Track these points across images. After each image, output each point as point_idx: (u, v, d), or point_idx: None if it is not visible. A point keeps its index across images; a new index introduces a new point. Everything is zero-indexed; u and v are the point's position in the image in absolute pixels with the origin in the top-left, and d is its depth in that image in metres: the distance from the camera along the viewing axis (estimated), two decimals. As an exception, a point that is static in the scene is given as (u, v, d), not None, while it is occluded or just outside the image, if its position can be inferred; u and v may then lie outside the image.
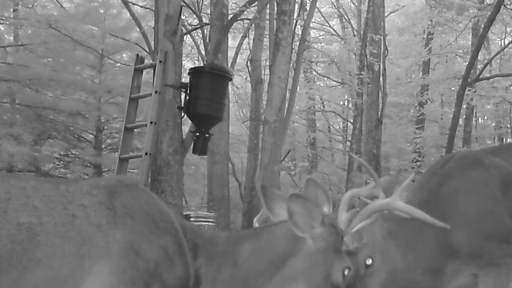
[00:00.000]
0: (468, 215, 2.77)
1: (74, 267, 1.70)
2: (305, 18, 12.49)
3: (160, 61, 6.27)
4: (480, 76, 11.25)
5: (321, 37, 20.07)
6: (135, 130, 6.91)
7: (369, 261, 2.43)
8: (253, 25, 11.51)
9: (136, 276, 1.74)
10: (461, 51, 18.99)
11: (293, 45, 10.12)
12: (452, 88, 16.69)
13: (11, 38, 13.23)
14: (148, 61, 7.66)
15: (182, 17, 7.97)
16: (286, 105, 10.13)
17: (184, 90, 6.41)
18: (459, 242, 2.72)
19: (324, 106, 20.16)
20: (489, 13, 9.92)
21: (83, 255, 1.71)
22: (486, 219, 2.77)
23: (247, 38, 13.67)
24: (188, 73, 6.56)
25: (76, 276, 1.69)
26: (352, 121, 16.74)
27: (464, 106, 14.15)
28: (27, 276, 1.65)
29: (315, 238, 2.00)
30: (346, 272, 2.02)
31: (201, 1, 10.44)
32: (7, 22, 12.75)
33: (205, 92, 6.17)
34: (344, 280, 2.02)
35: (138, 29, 10.41)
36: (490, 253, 2.72)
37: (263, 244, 2.00)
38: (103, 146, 12.64)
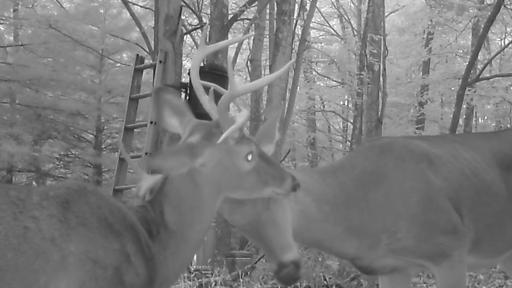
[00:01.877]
0: (402, 190, 2.65)
1: (28, 283, 1.66)
2: (305, 18, 12.50)
3: (160, 61, 6.28)
4: (480, 76, 11.24)
5: (321, 37, 20.08)
6: (135, 130, 6.91)
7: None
8: (253, 25, 11.52)
9: (96, 285, 1.72)
10: (461, 51, 18.99)
11: (293, 45, 10.13)
12: (452, 88, 16.68)
13: (11, 38, 13.25)
14: (148, 61, 7.67)
15: (182, 17, 7.97)
16: (286, 105, 10.13)
17: (184, 90, 6.41)
18: (394, 215, 2.59)
19: (324, 106, 20.16)
20: (489, 13, 9.91)
21: (36, 270, 1.67)
22: (422, 199, 2.65)
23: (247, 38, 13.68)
24: (188, 73, 6.56)
25: None
26: (352, 121, 16.75)
27: (464, 106, 14.14)
28: None
29: (202, 165, 1.97)
30: (249, 157, 2.02)
31: (201, 1, 10.46)
32: (7, 22, 12.77)
33: (205, 92, 6.17)
34: (253, 162, 2.03)
35: (138, 29, 10.43)
36: (434, 237, 2.61)
37: (174, 199, 1.98)
38: (103, 146, 12.66)
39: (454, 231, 2.65)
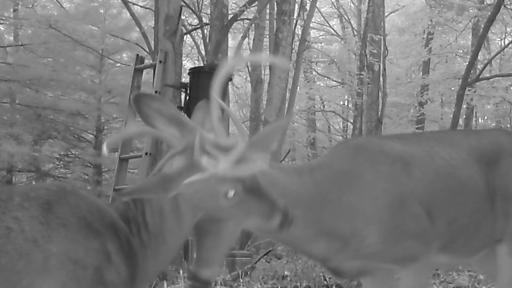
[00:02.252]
0: (375, 192, 2.58)
1: (12, 283, 1.67)
2: (305, 18, 12.50)
3: (160, 61, 6.28)
4: (480, 76, 11.25)
5: (321, 37, 20.09)
6: (135, 130, 6.90)
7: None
8: (253, 25, 11.52)
9: (77, 285, 1.73)
10: (461, 51, 19.00)
11: (293, 45, 10.13)
12: (452, 88, 16.69)
13: (11, 38, 13.26)
14: (148, 61, 7.66)
15: (182, 17, 7.97)
16: (286, 105, 10.13)
17: (184, 90, 6.41)
18: (365, 218, 2.52)
19: (324, 106, 20.17)
20: (489, 13, 9.91)
21: (20, 271, 1.67)
22: (394, 203, 2.57)
23: (247, 38, 13.67)
24: (188, 73, 6.57)
25: None
26: (352, 121, 16.76)
27: (464, 106, 14.15)
28: None
29: (183, 188, 1.88)
30: (230, 195, 1.89)
31: (201, 1, 10.45)
32: (7, 22, 12.77)
33: (205, 92, 6.15)
34: (234, 199, 1.89)
35: (138, 29, 10.43)
36: (403, 241, 2.54)
37: (155, 204, 1.93)
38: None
39: (423, 235, 2.59)
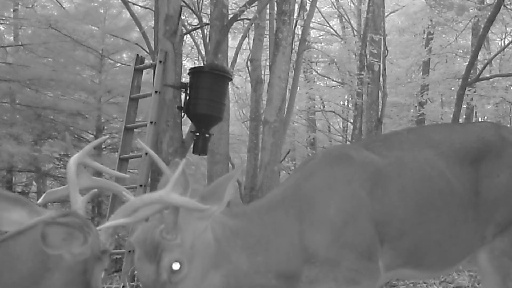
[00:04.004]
0: (327, 214, 2.47)
1: None
2: (305, 18, 12.49)
3: (160, 61, 6.27)
4: (480, 76, 11.24)
5: (321, 37, 20.09)
6: (135, 130, 6.91)
7: (177, 266, 2.12)
8: (253, 25, 11.51)
9: None
10: (461, 51, 18.99)
11: (293, 45, 10.12)
12: (452, 88, 16.69)
13: (11, 38, 13.25)
14: (148, 61, 7.66)
15: (182, 17, 7.97)
16: (286, 105, 10.13)
17: (184, 90, 6.41)
18: (314, 245, 2.42)
19: (324, 106, 20.17)
20: (489, 13, 9.91)
21: None
22: (346, 222, 2.45)
23: (247, 38, 13.67)
24: (188, 73, 6.56)
25: None
26: (352, 121, 16.76)
27: (464, 106, 14.16)
28: None
29: (75, 254, 1.85)
30: (102, 275, 1.96)
31: (201, 1, 10.44)
32: (7, 22, 12.77)
33: (205, 92, 6.17)
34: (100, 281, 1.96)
35: (138, 29, 10.42)
36: (348, 261, 2.41)
37: (2, 264, 1.81)
38: (103, 146, 12.64)
39: (368, 257, 2.48)
